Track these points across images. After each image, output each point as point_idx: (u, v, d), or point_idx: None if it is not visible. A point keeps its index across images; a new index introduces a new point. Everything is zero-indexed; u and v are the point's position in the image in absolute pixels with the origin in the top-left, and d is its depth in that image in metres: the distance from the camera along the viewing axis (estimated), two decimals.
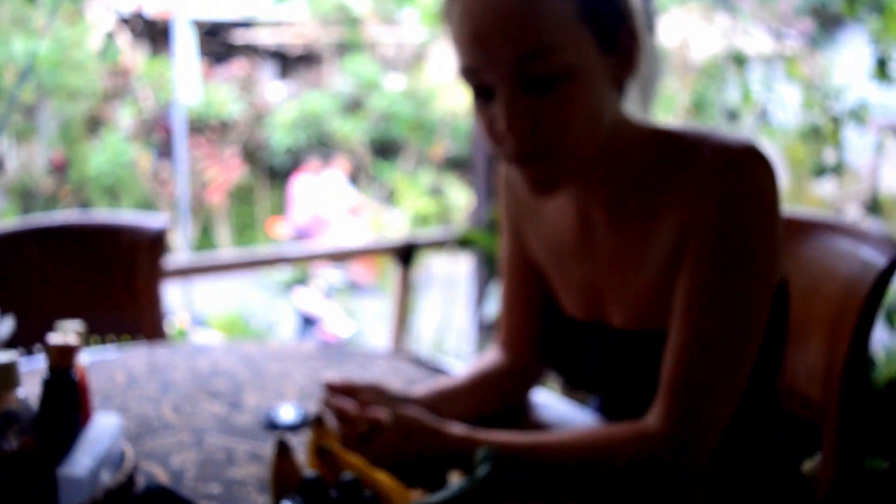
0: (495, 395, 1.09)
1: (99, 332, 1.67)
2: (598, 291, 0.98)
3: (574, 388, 1.10)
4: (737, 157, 0.84)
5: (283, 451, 0.74)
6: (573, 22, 0.80)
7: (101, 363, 1.27)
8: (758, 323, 0.86)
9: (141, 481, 0.85)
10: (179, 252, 5.86)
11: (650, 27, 2.62)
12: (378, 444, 0.86)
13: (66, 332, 0.84)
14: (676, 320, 0.87)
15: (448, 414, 1.01)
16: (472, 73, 0.83)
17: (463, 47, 0.83)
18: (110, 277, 1.68)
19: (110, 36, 5.75)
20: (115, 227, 1.71)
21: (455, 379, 1.09)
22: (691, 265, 0.86)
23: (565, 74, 0.81)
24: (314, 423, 0.76)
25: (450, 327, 4.38)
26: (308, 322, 5.14)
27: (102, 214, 1.83)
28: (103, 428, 0.80)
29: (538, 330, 1.09)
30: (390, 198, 6.05)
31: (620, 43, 0.85)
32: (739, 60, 2.98)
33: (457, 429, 0.89)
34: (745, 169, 0.84)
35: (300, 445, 0.96)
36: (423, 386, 1.08)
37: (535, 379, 1.14)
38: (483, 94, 0.85)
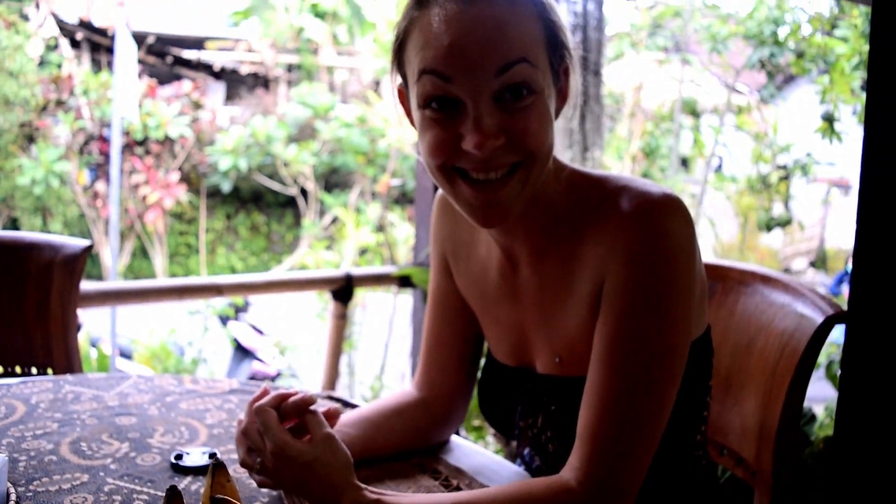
0: (399, 432, 1.02)
1: (6, 360, 1.53)
2: (524, 336, 0.98)
3: (504, 436, 1.07)
4: (652, 206, 0.85)
5: (175, 499, 0.66)
6: (540, 45, 0.83)
7: None
8: (673, 374, 0.85)
9: None
10: (109, 277, 5.60)
11: (596, 72, 2.59)
12: (275, 477, 0.81)
13: None
14: (592, 370, 0.86)
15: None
16: (440, 81, 0.81)
17: (436, 54, 0.81)
18: (22, 299, 1.55)
19: (52, 45, 5.53)
20: (29, 244, 1.58)
21: (355, 412, 1.02)
22: (606, 313, 0.86)
23: (534, 90, 0.82)
24: (212, 468, 0.66)
25: (389, 367, 4.24)
26: (242, 355, 4.94)
27: (17, 232, 1.68)
28: None
29: (462, 372, 1.07)
30: (335, 231, 5.91)
31: (560, 77, 0.87)
32: (692, 110, 2.99)
33: (366, 489, 0.82)
34: (660, 218, 0.84)
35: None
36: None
37: (451, 423, 1.08)
38: (442, 108, 0.82)
